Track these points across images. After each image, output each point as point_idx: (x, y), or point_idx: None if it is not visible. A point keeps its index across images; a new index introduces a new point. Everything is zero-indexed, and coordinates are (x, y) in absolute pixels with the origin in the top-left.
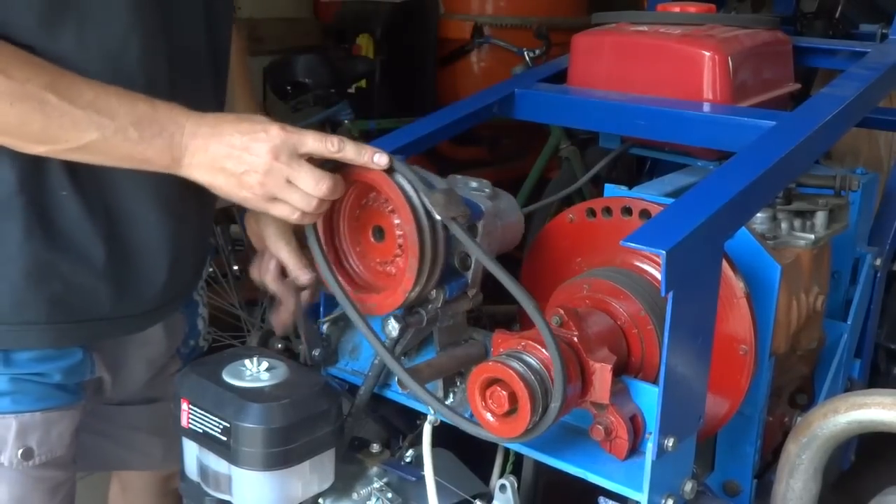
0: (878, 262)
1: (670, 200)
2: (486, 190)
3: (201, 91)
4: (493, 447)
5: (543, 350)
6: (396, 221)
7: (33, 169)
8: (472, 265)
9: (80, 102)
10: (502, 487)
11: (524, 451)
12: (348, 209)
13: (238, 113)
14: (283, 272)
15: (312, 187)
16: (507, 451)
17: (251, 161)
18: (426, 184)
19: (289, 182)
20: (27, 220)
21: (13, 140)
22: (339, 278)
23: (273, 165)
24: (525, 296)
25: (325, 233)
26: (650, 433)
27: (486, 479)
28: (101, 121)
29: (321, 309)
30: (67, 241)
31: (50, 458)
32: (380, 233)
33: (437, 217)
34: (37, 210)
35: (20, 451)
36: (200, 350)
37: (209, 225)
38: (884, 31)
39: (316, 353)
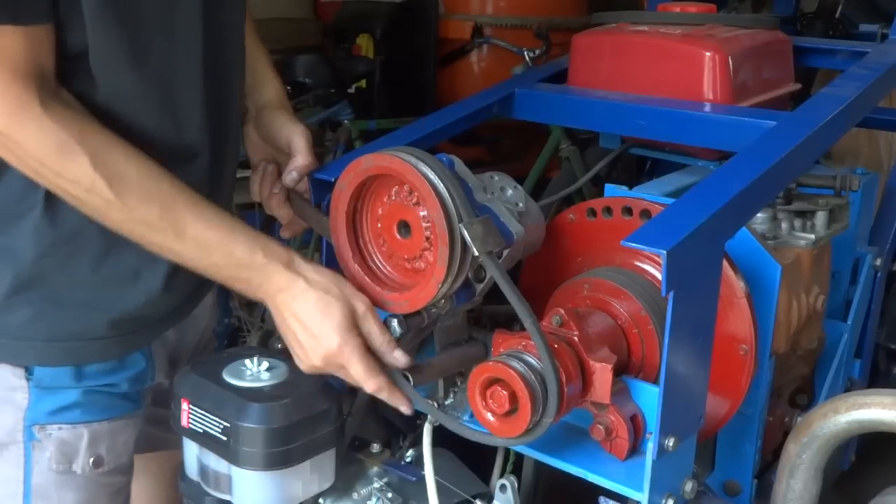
0: (878, 262)
1: (671, 200)
2: (520, 204)
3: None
4: (493, 447)
5: None
6: (422, 213)
7: None
8: (486, 281)
9: (185, 237)
10: (502, 487)
11: (524, 451)
12: (371, 208)
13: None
14: (287, 195)
15: (362, 382)
16: (507, 451)
17: (306, 359)
18: (464, 188)
19: (341, 367)
20: (98, 249)
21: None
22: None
23: (329, 362)
24: (539, 335)
25: (348, 234)
26: (650, 433)
27: (486, 479)
28: (200, 255)
29: None
30: (136, 265)
31: (117, 464)
32: (406, 228)
33: (475, 252)
34: (106, 239)
35: (91, 460)
36: (233, 327)
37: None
38: (884, 31)
39: None
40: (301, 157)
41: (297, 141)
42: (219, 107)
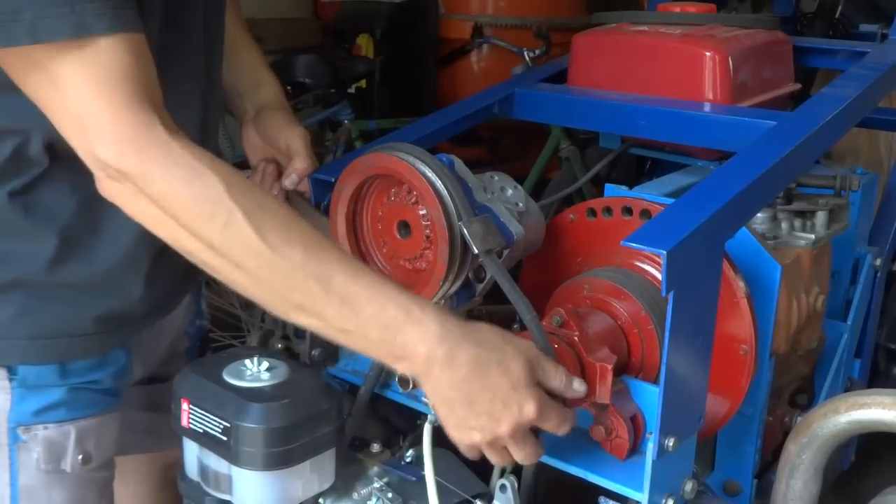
0: (878, 262)
1: (671, 200)
2: (520, 204)
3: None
4: None
5: None
6: (422, 212)
7: (92, 199)
8: (486, 280)
9: (330, 289)
10: (502, 487)
11: None
12: (371, 209)
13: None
14: (286, 195)
15: (523, 459)
16: None
17: (490, 429)
18: (464, 188)
19: (505, 448)
20: (84, 244)
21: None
22: None
23: (504, 440)
24: (540, 333)
25: (349, 236)
26: (651, 433)
27: (486, 479)
28: (345, 313)
29: None
30: (120, 260)
31: (104, 459)
32: (406, 228)
33: (475, 250)
34: (92, 234)
35: (80, 457)
36: (205, 328)
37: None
38: (884, 31)
39: (316, 352)
40: (300, 161)
41: (296, 144)
42: (210, 63)
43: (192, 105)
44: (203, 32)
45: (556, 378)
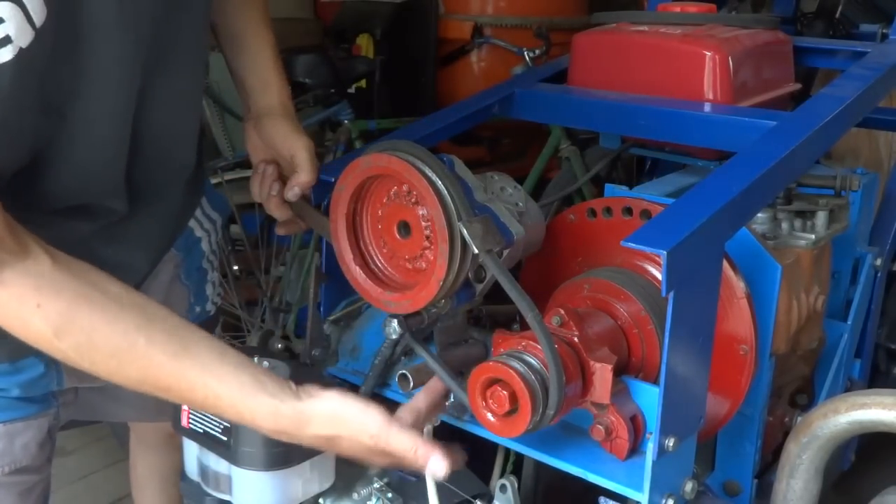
0: (878, 262)
1: (671, 200)
2: (520, 204)
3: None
4: (493, 447)
5: None
6: (422, 212)
7: None
8: (486, 280)
9: (169, 395)
10: (502, 487)
11: (524, 451)
12: (371, 209)
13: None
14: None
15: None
16: (507, 451)
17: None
18: (464, 188)
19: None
20: None
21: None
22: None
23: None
24: (543, 331)
25: (349, 236)
26: (651, 433)
27: (486, 479)
28: (190, 406)
29: (321, 309)
30: None
31: (14, 468)
32: (405, 228)
33: (475, 250)
34: None
35: None
36: (207, 314)
37: (175, 209)
38: (884, 31)
39: (316, 352)
40: (304, 174)
41: (301, 156)
42: (146, 160)
43: (111, 146)
44: (135, 61)
45: (405, 456)
